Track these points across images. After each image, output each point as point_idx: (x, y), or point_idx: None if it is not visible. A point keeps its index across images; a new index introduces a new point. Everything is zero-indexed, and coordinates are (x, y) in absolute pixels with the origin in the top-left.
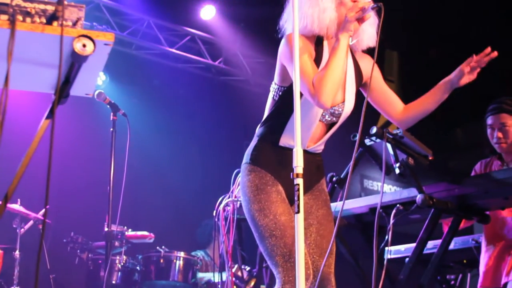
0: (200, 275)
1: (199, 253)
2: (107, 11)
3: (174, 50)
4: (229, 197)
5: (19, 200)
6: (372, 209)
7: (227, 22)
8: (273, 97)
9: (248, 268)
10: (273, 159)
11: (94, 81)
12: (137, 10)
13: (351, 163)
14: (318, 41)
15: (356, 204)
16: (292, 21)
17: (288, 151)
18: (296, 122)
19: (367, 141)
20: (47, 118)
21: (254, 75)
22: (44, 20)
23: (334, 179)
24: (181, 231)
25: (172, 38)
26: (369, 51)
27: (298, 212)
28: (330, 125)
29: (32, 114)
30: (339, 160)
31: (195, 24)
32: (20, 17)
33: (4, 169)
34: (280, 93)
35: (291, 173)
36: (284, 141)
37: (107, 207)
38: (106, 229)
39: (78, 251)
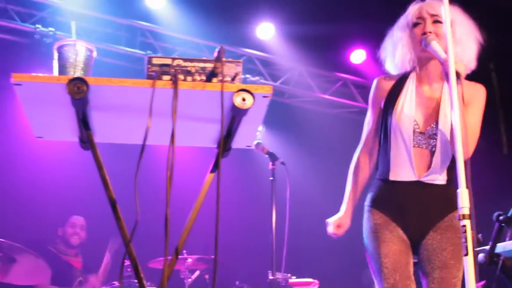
0: None
1: None
2: (260, 62)
3: (326, 96)
4: None
5: (185, 252)
6: None
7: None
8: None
9: None
10: (387, 197)
11: (254, 133)
12: (289, 60)
13: None
14: (403, 76)
15: None
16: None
17: (401, 185)
18: (459, 160)
19: None
20: (211, 171)
21: None
22: (204, 78)
23: (501, 217)
24: (345, 275)
25: (324, 85)
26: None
27: (466, 254)
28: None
29: (192, 167)
30: (507, 196)
31: (346, 68)
32: (181, 76)
33: (173, 223)
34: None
35: (405, 208)
36: (393, 176)
37: (270, 255)
38: (270, 277)
39: None
